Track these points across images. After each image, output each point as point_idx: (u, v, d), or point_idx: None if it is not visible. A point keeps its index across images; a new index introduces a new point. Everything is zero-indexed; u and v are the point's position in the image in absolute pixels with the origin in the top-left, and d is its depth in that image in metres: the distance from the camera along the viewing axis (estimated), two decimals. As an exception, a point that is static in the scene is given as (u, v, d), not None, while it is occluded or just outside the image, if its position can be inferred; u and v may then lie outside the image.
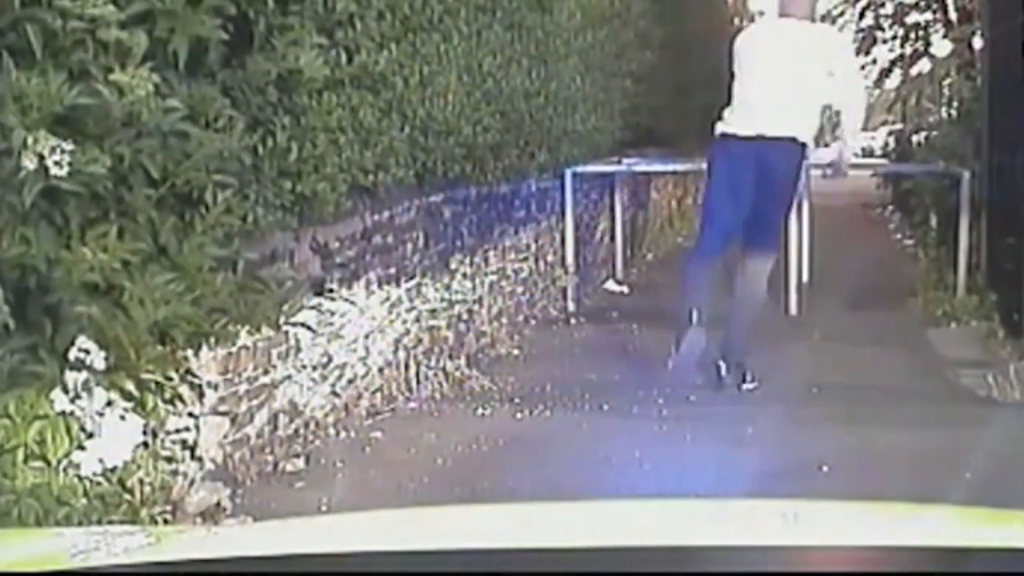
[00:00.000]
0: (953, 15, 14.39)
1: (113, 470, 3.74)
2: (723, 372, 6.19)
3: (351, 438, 5.39)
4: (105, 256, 3.57)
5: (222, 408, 4.57)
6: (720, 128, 6.18)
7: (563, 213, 8.82)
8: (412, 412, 5.91)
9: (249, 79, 4.39)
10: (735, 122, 6.10)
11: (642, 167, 10.44)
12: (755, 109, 6.05)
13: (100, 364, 3.60)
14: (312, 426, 5.26)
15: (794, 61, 6.11)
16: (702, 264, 6.16)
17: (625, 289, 9.61)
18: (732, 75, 6.29)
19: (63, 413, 3.57)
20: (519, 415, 5.83)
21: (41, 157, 3.29)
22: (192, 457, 4.40)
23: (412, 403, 6.02)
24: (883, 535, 1.76)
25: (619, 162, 9.86)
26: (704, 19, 14.18)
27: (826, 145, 7.96)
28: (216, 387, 4.50)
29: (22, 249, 3.43)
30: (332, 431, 5.38)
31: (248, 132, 4.33)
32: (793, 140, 6.04)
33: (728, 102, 6.24)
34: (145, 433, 3.91)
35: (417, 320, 6.38)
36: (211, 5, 3.93)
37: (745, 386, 6.19)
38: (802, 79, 6.07)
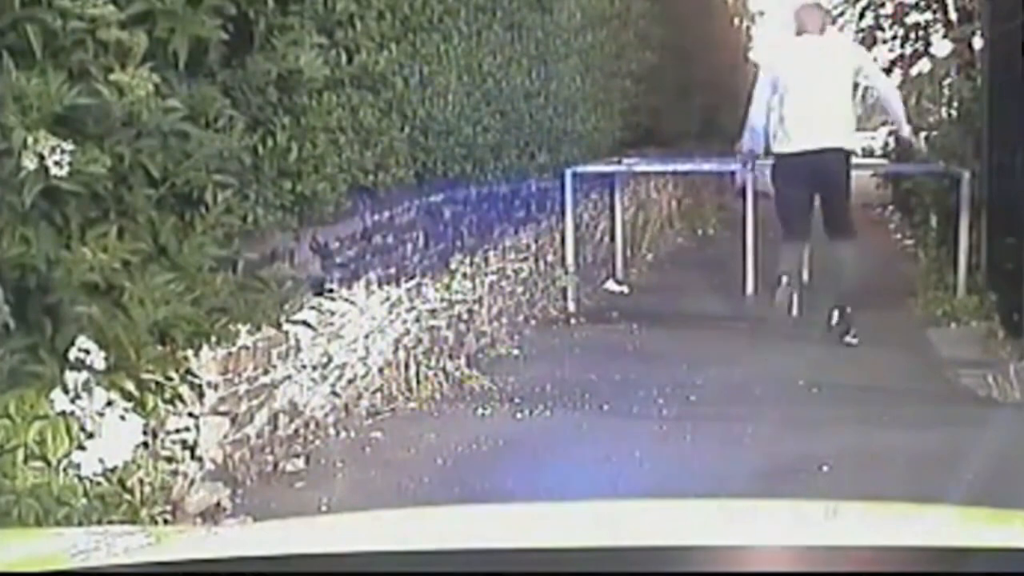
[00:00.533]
0: (953, 15, 14.37)
1: (113, 470, 3.73)
2: (833, 322, 7.40)
3: (351, 438, 5.40)
4: (105, 256, 3.57)
5: (222, 408, 4.57)
6: (776, 147, 7.28)
7: (563, 213, 8.82)
8: (412, 412, 5.91)
9: (249, 79, 4.39)
10: (790, 140, 7.15)
11: (642, 167, 10.44)
12: (805, 126, 7.06)
13: (100, 364, 3.60)
14: (312, 426, 5.26)
15: (827, 74, 7.14)
16: (791, 251, 7.52)
17: (625, 289, 9.62)
18: (754, 88, 7.53)
19: (63, 413, 3.57)
20: (519, 415, 5.84)
21: (41, 157, 3.29)
22: (192, 457, 4.40)
23: (412, 403, 6.02)
24: (883, 535, 1.76)
25: (619, 162, 9.87)
26: (704, 19, 14.18)
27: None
28: (216, 387, 4.51)
29: (22, 249, 3.43)
30: (332, 431, 5.38)
31: (248, 132, 4.33)
32: (840, 149, 7.19)
33: (745, 111, 7.51)
34: (145, 433, 3.91)
35: (417, 320, 6.38)
36: (211, 5, 3.92)
37: (847, 339, 7.27)
38: (835, 89, 7.14)
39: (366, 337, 5.81)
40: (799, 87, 7.07)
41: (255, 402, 4.81)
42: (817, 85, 7.05)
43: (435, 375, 6.32)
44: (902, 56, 15.88)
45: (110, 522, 3.62)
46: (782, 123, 7.14)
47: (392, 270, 6.10)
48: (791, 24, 7.65)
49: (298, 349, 5.11)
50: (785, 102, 7.12)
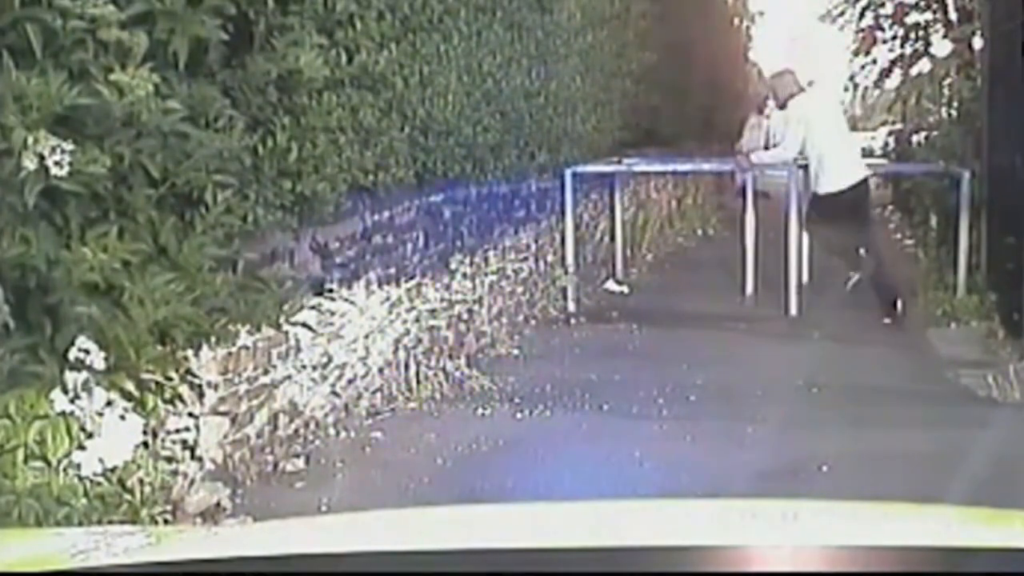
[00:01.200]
0: (953, 15, 14.33)
1: (113, 470, 3.74)
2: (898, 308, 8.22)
3: (351, 438, 5.39)
4: (105, 256, 3.57)
5: (222, 408, 4.57)
6: (817, 189, 8.30)
7: (563, 213, 8.82)
8: (412, 412, 5.91)
9: (249, 79, 4.39)
10: (828, 182, 8.18)
11: (642, 167, 10.43)
12: (837, 168, 8.14)
13: (100, 364, 3.60)
14: (312, 426, 5.26)
15: (840, 117, 8.71)
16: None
17: (625, 289, 9.61)
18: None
19: (63, 413, 3.57)
20: (519, 415, 5.83)
21: (41, 157, 3.29)
22: (192, 457, 4.40)
23: (412, 403, 6.02)
24: (883, 535, 1.76)
25: (619, 162, 9.86)
26: (704, 20, 14.18)
27: None
28: (216, 387, 4.51)
29: (22, 249, 3.43)
30: (332, 431, 5.38)
31: (248, 132, 4.33)
32: (865, 181, 8.45)
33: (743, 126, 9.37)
34: (145, 433, 3.91)
35: (417, 320, 6.38)
36: (211, 5, 3.92)
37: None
38: (850, 134, 8.93)
39: (366, 337, 5.81)
40: (834, 139, 8.27)
41: (255, 402, 4.81)
42: (843, 136, 8.54)
43: (435, 375, 6.32)
44: (902, 56, 15.86)
45: (110, 522, 3.62)
46: (822, 167, 8.21)
47: (392, 270, 6.10)
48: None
49: (298, 349, 5.11)
50: (822, 152, 8.19)
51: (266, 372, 4.88)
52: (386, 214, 6.02)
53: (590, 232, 9.63)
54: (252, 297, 4.23)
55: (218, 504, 4.38)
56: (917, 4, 15.50)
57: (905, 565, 1.55)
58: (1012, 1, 7.56)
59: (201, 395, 4.39)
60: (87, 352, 3.56)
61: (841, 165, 8.19)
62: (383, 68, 5.25)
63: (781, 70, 8.96)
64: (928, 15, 15.41)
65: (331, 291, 5.31)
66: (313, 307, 5.03)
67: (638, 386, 6.19)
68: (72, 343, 3.56)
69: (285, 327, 4.71)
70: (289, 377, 5.07)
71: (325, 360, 5.38)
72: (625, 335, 7.75)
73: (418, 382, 6.18)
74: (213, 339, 4.16)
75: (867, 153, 19.89)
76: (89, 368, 3.58)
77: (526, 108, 7.74)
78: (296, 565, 1.60)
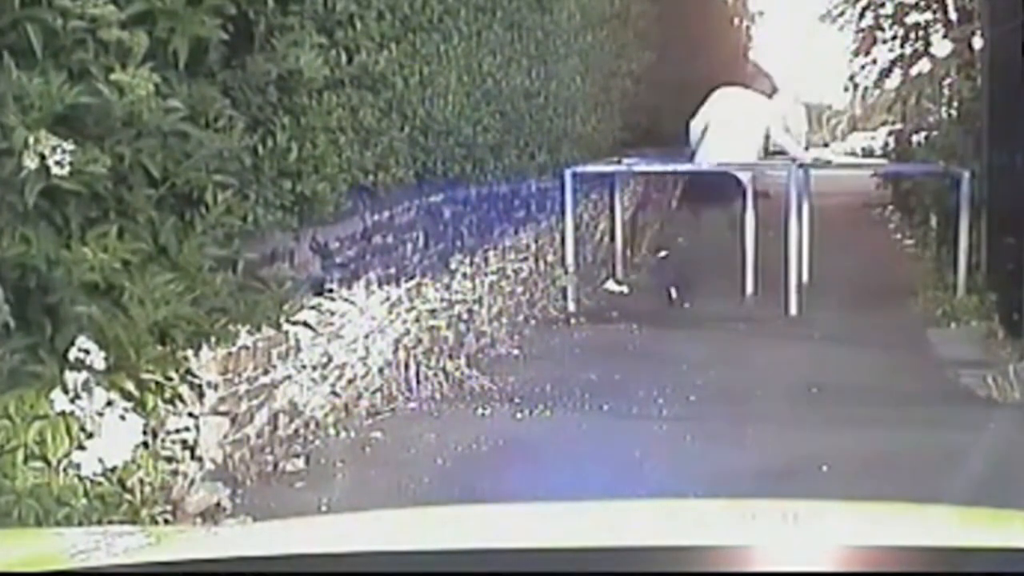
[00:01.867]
0: (953, 15, 14.35)
1: (113, 470, 3.74)
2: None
3: (351, 438, 5.39)
4: (105, 256, 3.57)
5: (222, 408, 4.57)
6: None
7: (563, 213, 8.81)
8: (412, 412, 5.91)
9: (249, 79, 4.39)
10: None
11: (642, 167, 10.43)
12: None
13: (100, 364, 3.60)
14: (312, 426, 5.26)
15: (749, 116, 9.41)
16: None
17: (625, 289, 9.61)
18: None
19: (63, 413, 3.57)
20: (519, 415, 5.83)
21: (42, 157, 3.29)
22: (192, 457, 4.40)
23: (412, 403, 6.02)
24: (883, 535, 1.76)
25: (619, 162, 9.86)
26: (704, 19, 14.18)
27: None
28: (216, 387, 4.51)
29: (22, 249, 3.43)
30: (332, 431, 5.38)
31: (248, 132, 4.33)
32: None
33: None
34: (145, 433, 3.91)
35: (417, 320, 6.38)
36: (211, 5, 3.92)
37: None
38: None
39: (366, 337, 5.81)
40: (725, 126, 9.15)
41: (255, 402, 4.81)
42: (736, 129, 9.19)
43: (435, 375, 6.32)
44: (902, 56, 15.87)
45: (110, 522, 3.62)
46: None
47: (392, 270, 6.10)
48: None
49: (298, 349, 5.11)
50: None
51: (266, 372, 4.88)
52: (386, 214, 6.02)
53: (590, 232, 9.63)
54: (252, 297, 4.23)
55: (218, 504, 4.38)
56: (917, 4, 15.51)
57: (905, 565, 1.55)
58: (1012, 1, 7.56)
59: (201, 395, 4.39)
60: (87, 352, 3.56)
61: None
62: (383, 68, 5.25)
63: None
64: (928, 15, 15.42)
65: (331, 291, 5.31)
66: (313, 307, 5.03)
67: (638, 386, 6.18)
68: (72, 343, 3.56)
69: (285, 327, 4.70)
70: (289, 377, 5.07)
71: (325, 360, 5.38)
72: (625, 335, 7.75)
73: (418, 382, 6.18)
74: (213, 339, 4.15)
75: (867, 153, 19.88)
76: (89, 368, 3.58)
77: (526, 108, 7.74)
78: (296, 565, 1.60)
